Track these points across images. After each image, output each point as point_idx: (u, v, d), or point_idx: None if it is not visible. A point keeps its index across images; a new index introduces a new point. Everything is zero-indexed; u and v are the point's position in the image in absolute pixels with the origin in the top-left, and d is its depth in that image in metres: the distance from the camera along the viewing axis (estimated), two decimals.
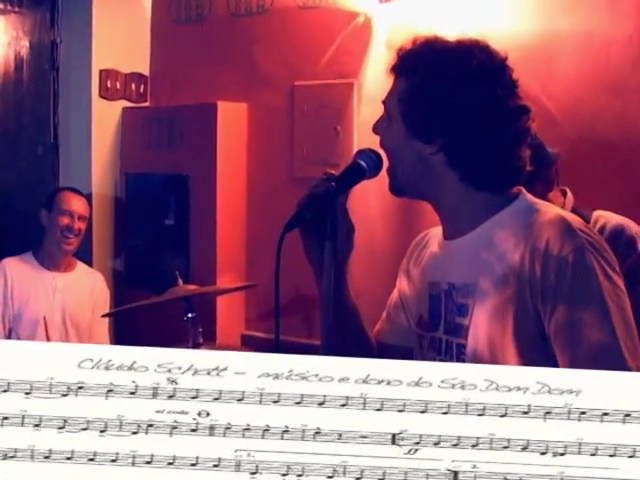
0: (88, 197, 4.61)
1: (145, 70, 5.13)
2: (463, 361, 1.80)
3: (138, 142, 4.93)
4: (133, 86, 5.07)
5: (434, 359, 1.88)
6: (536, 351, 1.72)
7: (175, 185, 4.71)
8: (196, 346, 3.64)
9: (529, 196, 1.88)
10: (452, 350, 1.84)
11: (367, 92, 4.19)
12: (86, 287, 4.39)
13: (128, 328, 4.65)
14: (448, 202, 1.90)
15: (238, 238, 4.60)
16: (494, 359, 1.75)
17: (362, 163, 1.93)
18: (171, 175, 4.74)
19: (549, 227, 1.74)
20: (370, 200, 4.19)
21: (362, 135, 4.18)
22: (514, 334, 1.73)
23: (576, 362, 1.63)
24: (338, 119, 4.25)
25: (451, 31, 3.88)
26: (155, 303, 3.71)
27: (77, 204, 4.37)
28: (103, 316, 4.18)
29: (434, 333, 1.89)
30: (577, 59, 3.70)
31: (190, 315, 3.60)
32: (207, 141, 4.57)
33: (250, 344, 4.39)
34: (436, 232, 2.04)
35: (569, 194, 3.08)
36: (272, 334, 4.24)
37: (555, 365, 1.67)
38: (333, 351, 1.83)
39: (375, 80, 4.17)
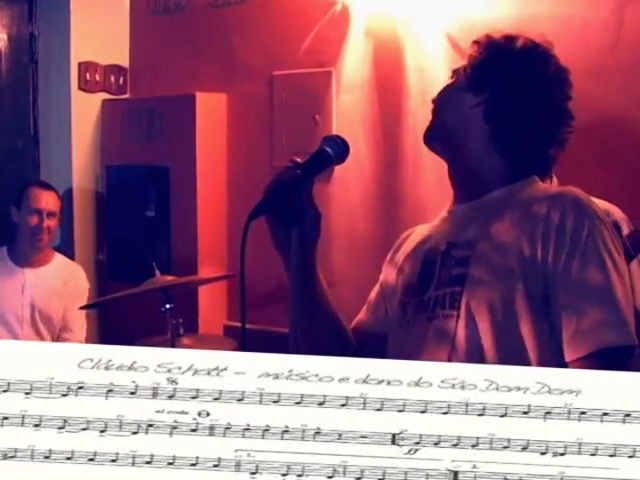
0: (62, 191, 4.60)
1: (124, 62, 5.11)
2: (454, 307, 1.83)
3: (118, 134, 4.92)
4: (112, 78, 5.05)
5: (421, 321, 1.89)
6: (536, 310, 1.76)
7: (155, 177, 4.70)
8: (176, 337, 3.64)
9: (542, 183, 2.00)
10: (444, 301, 1.85)
11: (345, 80, 4.19)
12: (59, 281, 4.36)
13: (110, 320, 4.64)
14: (468, 161, 1.98)
15: (219, 228, 4.59)
16: (492, 308, 1.79)
17: (328, 150, 1.91)
18: (151, 167, 4.72)
19: (563, 198, 1.82)
20: (351, 187, 4.19)
21: (341, 123, 4.17)
22: (521, 288, 1.76)
23: (579, 333, 1.71)
24: (317, 108, 4.24)
25: (429, 18, 3.90)
26: (132, 294, 3.69)
27: (46, 200, 4.33)
28: (80, 308, 4.16)
29: (422, 296, 1.91)
30: (555, 43, 3.68)
31: (168, 306, 3.58)
32: (186, 132, 4.56)
33: (233, 334, 4.37)
34: (421, 228, 2.12)
35: (554, 178, 3.06)
36: (255, 324, 4.28)
37: (553, 325, 1.75)
38: (300, 339, 1.82)
39: (354, 68, 4.17)
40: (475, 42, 2.04)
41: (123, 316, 4.43)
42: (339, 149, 1.94)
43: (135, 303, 4.04)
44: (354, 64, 4.16)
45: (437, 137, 2.07)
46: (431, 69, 3.94)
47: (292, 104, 4.34)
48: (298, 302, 1.86)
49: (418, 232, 2.12)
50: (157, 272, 3.69)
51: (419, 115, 3.98)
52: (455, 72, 2.08)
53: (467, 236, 1.90)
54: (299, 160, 1.89)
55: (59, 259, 4.46)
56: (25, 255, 4.34)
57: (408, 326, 1.93)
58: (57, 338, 4.28)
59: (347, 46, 4.19)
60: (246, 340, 1.93)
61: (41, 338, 4.18)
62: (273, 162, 4.34)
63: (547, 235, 1.77)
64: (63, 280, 4.37)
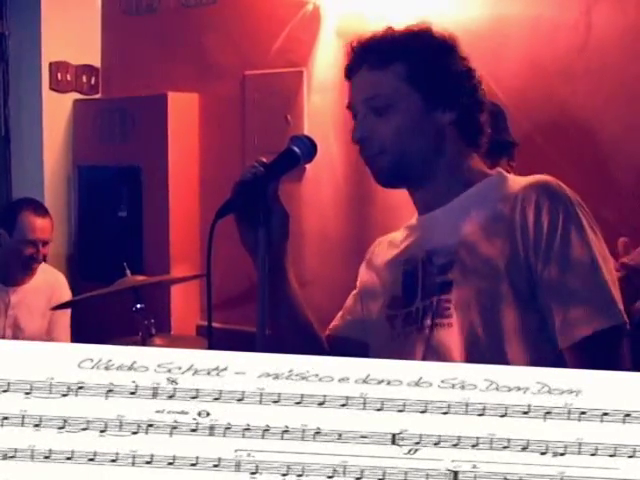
0: (34, 192, 4.54)
1: (96, 62, 5.09)
2: (444, 315, 1.80)
3: (90, 134, 4.90)
4: (84, 78, 5.03)
5: (411, 333, 1.86)
6: (525, 305, 1.76)
7: (127, 177, 4.69)
8: (148, 337, 3.63)
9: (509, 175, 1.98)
10: (432, 310, 1.83)
11: (317, 80, 4.20)
12: (42, 298, 4.24)
13: (82, 320, 4.62)
14: (440, 173, 1.92)
15: (191, 228, 4.59)
16: (483, 310, 1.77)
17: (295, 149, 1.91)
18: (123, 167, 4.72)
19: (534, 188, 1.80)
20: (322, 187, 4.20)
21: (312, 123, 4.19)
22: (507, 285, 1.75)
23: (570, 320, 1.71)
24: (288, 107, 4.25)
25: (400, 18, 3.91)
26: (103, 294, 3.69)
27: (41, 229, 4.14)
28: (52, 309, 4.13)
29: (409, 308, 1.88)
30: (525, 44, 3.72)
31: (139, 306, 3.58)
32: (158, 132, 4.55)
33: (205, 334, 4.36)
34: (394, 236, 2.11)
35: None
36: (228, 324, 4.28)
37: (542, 322, 1.75)
38: (267, 339, 1.82)
39: (325, 68, 4.18)
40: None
41: (95, 316, 4.42)
42: (307, 148, 1.94)
43: (107, 303, 4.04)
44: (325, 64, 4.17)
45: (398, 175, 1.99)
46: None
47: (264, 104, 4.35)
48: (262, 305, 1.85)
49: (391, 240, 2.10)
50: (128, 272, 3.69)
51: None
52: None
53: (445, 242, 1.86)
54: (264, 160, 1.90)
55: (42, 269, 4.31)
56: (13, 277, 4.19)
57: (399, 339, 1.89)
58: None
59: (318, 46, 4.20)
60: (212, 338, 1.94)
61: None
62: (245, 162, 4.34)
63: (525, 229, 1.76)
64: (47, 297, 4.25)
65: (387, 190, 4.01)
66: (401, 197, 4.08)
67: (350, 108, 2.04)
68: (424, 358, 1.80)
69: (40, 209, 4.25)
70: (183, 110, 4.60)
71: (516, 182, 1.89)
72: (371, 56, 1.97)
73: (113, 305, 3.98)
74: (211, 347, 1.99)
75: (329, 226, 4.17)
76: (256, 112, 4.39)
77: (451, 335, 1.79)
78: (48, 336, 4.23)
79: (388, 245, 2.10)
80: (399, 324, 1.90)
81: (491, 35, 3.77)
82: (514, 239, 1.77)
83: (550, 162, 3.69)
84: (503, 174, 1.96)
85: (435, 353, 1.80)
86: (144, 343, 3.57)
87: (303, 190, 4.20)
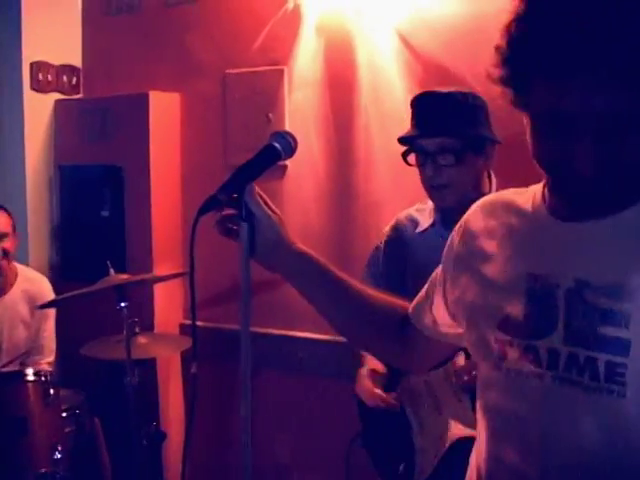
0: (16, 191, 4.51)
1: (77, 62, 5.09)
2: (617, 382, 1.43)
3: (72, 134, 4.90)
4: (65, 78, 5.02)
5: (532, 375, 1.54)
6: None
7: (109, 176, 4.69)
8: (132, 336, 3.64)
9: None
10: (591, 366, 1.45)
11: (297, 78, 4.21)
12: (25, 308, 4.24)
13: (65, 320, 4.62)
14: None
15: (174, 227, 4.59)
16: None
17: (276, 145, 1.93)
18: (105, 166, 4.71)
19: None
20: (304, 184, 4.21)
21: (293, 120, 4.20)
22: None
23: None
24: (270, 105, 4.26)
25: (379, 16, 3.94)
26: (87, 293, 3.69)
27: None
28: (36, 308, 4.13)
29: (533, 341, 1.53)
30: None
31: (123, 304, 3.59)
32: (140, 131, 4.55)
33: (188, 333, 4.38)
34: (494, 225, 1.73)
35: (493, 177, 3.11)
36: (211, 322, 4.29)
37: None
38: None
39: (305, 65, 4.20)
40: None
41: (78, 316, 4.42)
42: (287, 144, 1.96)
43: (90, 302, 4.04)
44: (306, 62, 4.18)
45: None
46: (382, 66, 3.98)
47: (245, 102, 4.36)
48: (245, 301, 1.84)
49: (494, 229, 1.72)
50: (111, 270, 3.70)
51: (370, 111, 4.02)
52: None
53: (614, 278, 1.45)
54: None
55: (22, 276, 4.29)
56: None
57: (508, 374, 1.58)
58: (22, 356, 4.10)
59: (299, 44, 4.21)
60: (197, 336, 1.96)
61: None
62: (227, 160, 4.36)
63: None
64: (30, 305, 4.24)
65: (368, 186, 4.07)
66: (382, 193, 4.10)
67: None
68: (568, 416, 1.49)
69: None
70: (164, 109, 4.60)
71: None
72: None
73: (97, 304, 3.98)
74: (195, 347, 2.01)
75: (311, 223, 4.19)
76: (237, 110, 4.40)
77: (625, 407, 1.43)
78: (34, 344, 4.22)
79: (468, 233, 1.79)
80: (514, 354, 1.58)
81: (473, 31, 3.78)
82: None
83: (529, 159, 3.71)
84: None
85: (588, 420, 1.47)
86: (128, 342, 3.58)
87: (285, 187, 4.22)
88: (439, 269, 1.89)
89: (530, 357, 1.54)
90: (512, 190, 1.77)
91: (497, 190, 2.97)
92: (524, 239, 1.64)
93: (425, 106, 3.01)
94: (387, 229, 3.26)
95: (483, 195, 2.86)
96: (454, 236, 1.83)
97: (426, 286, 1.95)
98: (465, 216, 1.82)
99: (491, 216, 1.74)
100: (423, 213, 3.16)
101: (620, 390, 1.42)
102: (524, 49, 1.46)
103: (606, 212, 1.50)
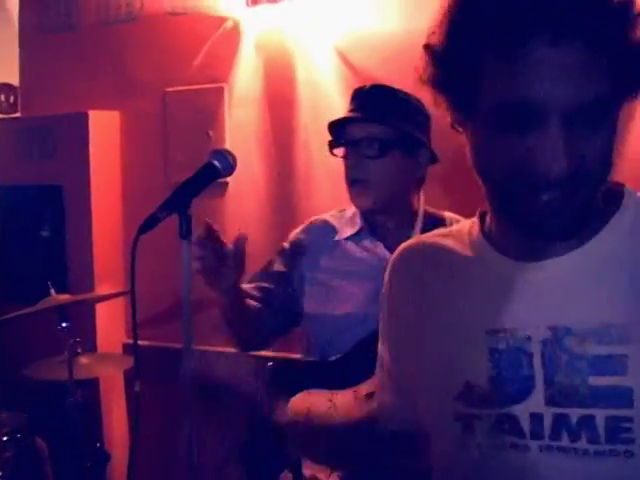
0: None
1: (14, 80, 5.05)
2: (625, 441, 1.20)
3: (10, 153, 4.85)
4: (2, 97, 4.99)
5: (513, 448, 1.28)
6: None
7: (49, 196, 4.65)
8: (74, 356, 3.61)
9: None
10: (592, 427, 1.22)
11: (237, 95, 4.22)
12: None
13: (7, 342, 4.57)
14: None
15: (115, 246, 4.57)
16: None
17: (215, 162, 1.96)
18: (45, 186, 4.67)
19: None
20: (245, 202, 4.22)
21: (234, 138, 4.20)
22: None
23: None
24: (210, 123, 4.26)
25: (319, 33, 3.97)
26: (27, 314, 3.66)
27: None
28: None
29: (504, 409, 1.29)
30: None
31: (64, 325, 3.56)
32: (79, 151, 4.52)
33: (132, 352, 4.35)
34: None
35: (422, 196, 2.91)
36: (154, 341, 4.26)
37: None
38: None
39: (245, 83, 4.21)
40: None
41: (19, 337, 4.38)
42: (226, 162, 1.99)
43: (31, 323, 3.99)
44: (246, 79, 4.20)
45: None
46: (322, 83, 4.00)
47: (185, 120, 4.36)
48: (187, 320, 1.87)
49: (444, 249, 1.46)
50: (52, 291, 3.67)
51: (310, 129, 4.04)
52: None
53: (600, 318, 1.25)
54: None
55: None
56: None
57: (479, 450, 1.31)
58: None
59: (238, 62, 4.22)
60: (138, 355, 1.96)
61: None
62: (168, 178, 4.35)
63: None
64: None
65: (309, 202, 4.08)
66: (322, 209, 4.12)
67: None
68: None
69: None
70: (104, 128, 4.58)
71: None
72: None
73: (38, 325, 3.94)
74: (137, 365, 2.01)
75: (253, 240, 4.17)
76: (178, 128, 4.40)
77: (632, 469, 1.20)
78: None
79: (423, 268, 1.49)
80: (482, 430, 1.32)
81: (410, 47, 3.80)
82: None
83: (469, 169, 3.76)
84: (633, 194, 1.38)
85: None
86: (70, 363, 3.55)
87: (226, 204, 4.22)
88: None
89: (506, 427, 1.28)
90: (433, 233, 1.52)
91: (424, 212, 2.82)
92: (473, 289, 1.38)
93: (363, 94, 2.81)
94: (297, 231, 3.05)
95: (409, 209, 2.79)
96: (383, 292, 1.56)
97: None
98: (391, 266, 1.54)
99: (422, 265, 1.47)
100: (340, 220, 2.95)
101: (627, 449, 1.19)
102: (465, 26, 1.26)
103: (567, 247, 1.30)
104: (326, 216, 3.01)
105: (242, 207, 4.23)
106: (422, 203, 2.84)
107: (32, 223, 4.73)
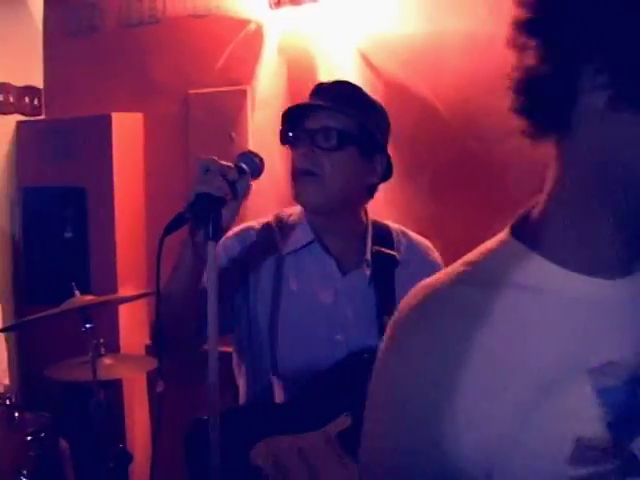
0: None
1: (39, 83, 5.08)
2: None
3: (34, 156, 4.88)
4: (27, 99, 5.02)
5: None
6: None
7: (72, 198, 4.67)
8: (97, 357, 3.62)
9: None
10: None
11: (260, 98, 4.23)
12: None
13: (31, 343, 4.60)
14: None
15: (138, 247, 4.59)
16: None
17: (243, 165, 1.96)
18: (68, 188, 4.70)
19: None
20: (267, 203, 4.22)
21: (256, 140, 4.21)
22: None
23: None
24: (233, 125, 4.27)
25: (341, 35, 3.97)
26: (52, 315, 3.67)
27: None
28: (1, 330, 4.09)
29: (631, 456, 1.05)
30: (463, 58, 3.79)
31: (88, 326, 3.57)
32: (103, 153, 4.55)
33: (154, 354, 4.37)
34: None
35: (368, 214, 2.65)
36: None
37: None
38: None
39: (268, 85, 4.22)
40: None
41: (42, 338, 4.40)
42: (254, 164, 1.99)
43: (54, 324, 4.01)
44: (268, 81, 4.21)
45: None
46: None
47: (208, 122, 4.38)
48: (213, 320, 1.85)
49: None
50: (76, 292, 3.68)
51: None
52: None
53: None
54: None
55: None
56: None
57: None
58: None
59: (261, 64, 4.24)
60: (163, 354, 1.96)
61: None
62: (190, 180, 4.35)
63: None
64: None
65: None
66: None
67: None
68: None
69: None
70: (127, 130, 4.61)
71: None
72: None
73: (61, 325, 3.96)
74: (161, 365, 2.01)
75: None
76: (200, 131, 4.41)
77: None
78: None
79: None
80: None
81: (430, 50, 3.84)
82: None
83: (492, 174, 3.76)
84: None
85: None
86: (94, 364, 3.56)
87: (248, 206, 4.21)
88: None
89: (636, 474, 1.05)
90: (446, 272, 1.20)
91: (373, 222, 2.53)
92: (547, 325, 1.10)
93: (325, 87, 2.51)
94: (230, 237, 2.54)
95: (358, 218, 2.48)
96: (385, 361, 1.20)
97: None
98: (403, 331, 1.18)
99: (456, 319, 1.13)
100: (282, 228, 2.56)
101: None
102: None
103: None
104: (262, 222, 2.63)
105: (264, 208, 4.22)
106: (370, 226, 2.54)
107: (55, 224, 4.76)
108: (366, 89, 3.99)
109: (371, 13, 3.95)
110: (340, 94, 2.43)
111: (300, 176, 2.42)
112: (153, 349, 2.47)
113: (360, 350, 2.28)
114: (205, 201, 1.88)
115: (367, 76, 3.96)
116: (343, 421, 2.26)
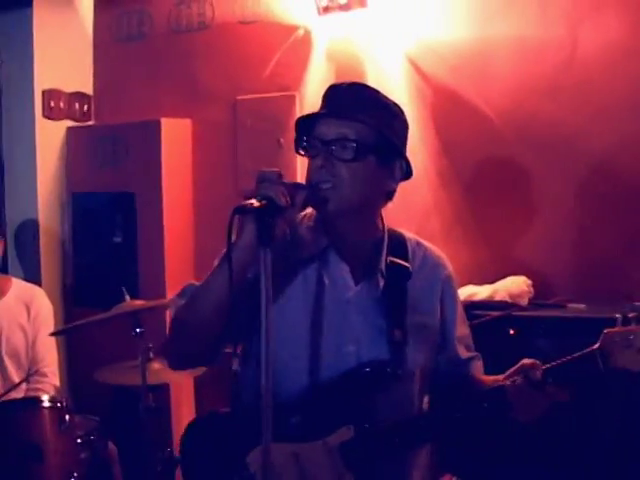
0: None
1: (88, 89, 5.13)
2: None
3: (84, 161, 4.93)
4: (77, 105, 5.06)
5: None
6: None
7: (122, 203, 4.71)
8: (146, 361, 3.64)
9: None
10: None
11: (308, 103, 4.24)
12: (21, 311, 4.14)
13: (81, 346, 4.64)
14: None
15: (186, 252, 4.61)
16: None
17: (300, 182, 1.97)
18: (117, 193, 4.74)
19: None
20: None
21: None
22: None
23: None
24: (281, 131, 4.28)
25: (390, 40, 3.97)
26: (102, 319, 3.71)
27: None
28: (51, 334, 4.12)
29: None
30: (512, 63, 3.78)
31: (138, 330, 3.60)
32: (152, 158, 4.58)
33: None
34: None
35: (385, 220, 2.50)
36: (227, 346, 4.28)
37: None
38: None
39: (316, 91, 4.22)
40: None
41: (92, 342, 4.44)
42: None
43: (104, 328, 4.04)
44: (316, 87, 4.21)
45: None
46: (392, 90, 3.99)
47: (256, 128, 4.39)
48: (267, 320, 1.85)
49: None
50: (127, 296, 3.70)
51: None
52: None
53: None
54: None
55: (17, 286, 4.24)
56: None
57: None
58: (28, 371, 4.05)
59: (309, 70, 4.25)
60: (237, 327, 1.93)
61: (7, 374, 4.02)
62: (238, 186, 4.38)
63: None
64: (25, 309, 4.16)
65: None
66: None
67: None
68: None
69: None
70: (176, 135, 4.64)
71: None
72: None
73: (111, 330, 3.99)
74: (236, 345, 1.97)
75: None
76: (248, 136, 4.43)
77: None
78: (34, 357, 4.18)
79: None
80: None
81: (479, 55, 3.82)
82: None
83: (539, 178, 3.74)
84: None
85: None
86: (143, 368, 3.58)
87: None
88: None
89: None
90: None
91: (388, 230, 2.41)
92: None
93: (341, 90, 2.34)
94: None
95: (374, 225, 2.35)
96: None
97: None
98: None
99: None
100: (295, 235, 2.35)
101: None
102: None
103: None
104: None
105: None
106: (386, 233, 2.41)
107: (105, 229, 4.80)
108: (414, 94, 4.03)
109: (419, 19, 3.94)
110: (355, 99, 2.27)
111: (318, 187, 2.22)
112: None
113: (368, 362, 2.23)
114: (268, 206, 1.86)
115: (415, 81, 3.96)
116: (345, 433, 2.20)
